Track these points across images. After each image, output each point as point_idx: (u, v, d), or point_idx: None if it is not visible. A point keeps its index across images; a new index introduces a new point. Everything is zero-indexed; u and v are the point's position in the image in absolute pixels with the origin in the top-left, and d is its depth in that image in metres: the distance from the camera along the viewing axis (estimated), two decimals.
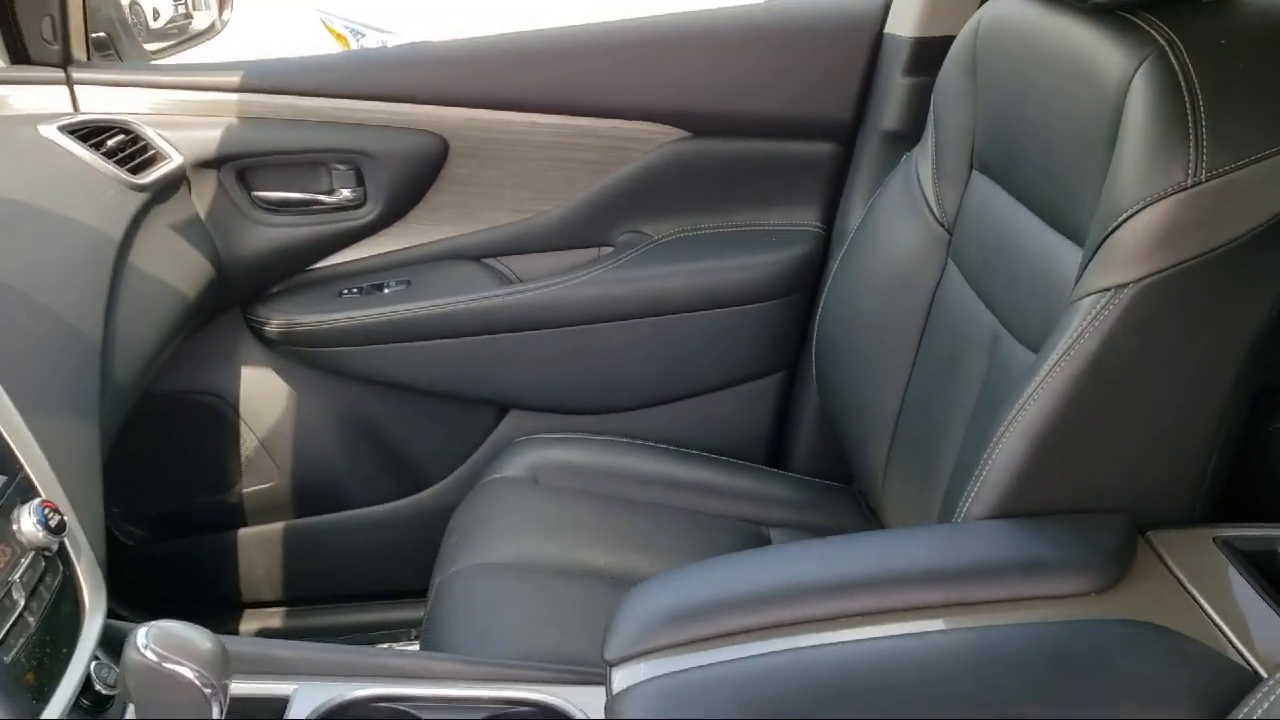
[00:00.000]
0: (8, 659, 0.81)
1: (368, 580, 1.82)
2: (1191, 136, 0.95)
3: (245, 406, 1.74)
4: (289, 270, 1.70)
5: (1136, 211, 0.96)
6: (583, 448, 1.64)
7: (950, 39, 1.39)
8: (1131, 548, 0.97)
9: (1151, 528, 1.01)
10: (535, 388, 1.74)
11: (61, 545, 0.91)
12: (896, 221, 1.46)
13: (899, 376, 1.42)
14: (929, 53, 1.53)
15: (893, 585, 0.91)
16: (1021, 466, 1.00)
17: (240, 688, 0.98)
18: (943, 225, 1.39)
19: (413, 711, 1.00)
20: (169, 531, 1.82)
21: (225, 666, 0.80)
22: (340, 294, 1.70)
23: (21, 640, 0.84)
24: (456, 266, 1.73)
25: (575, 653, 1.16)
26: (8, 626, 0.81)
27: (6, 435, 0.92)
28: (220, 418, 1.74)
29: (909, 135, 1.55)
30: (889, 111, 1.63)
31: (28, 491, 0.91)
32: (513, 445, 1.65)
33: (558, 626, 1.24)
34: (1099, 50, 1.05)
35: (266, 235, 1.66)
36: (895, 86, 1.61)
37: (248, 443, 1.76)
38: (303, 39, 4.54)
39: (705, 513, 1.55)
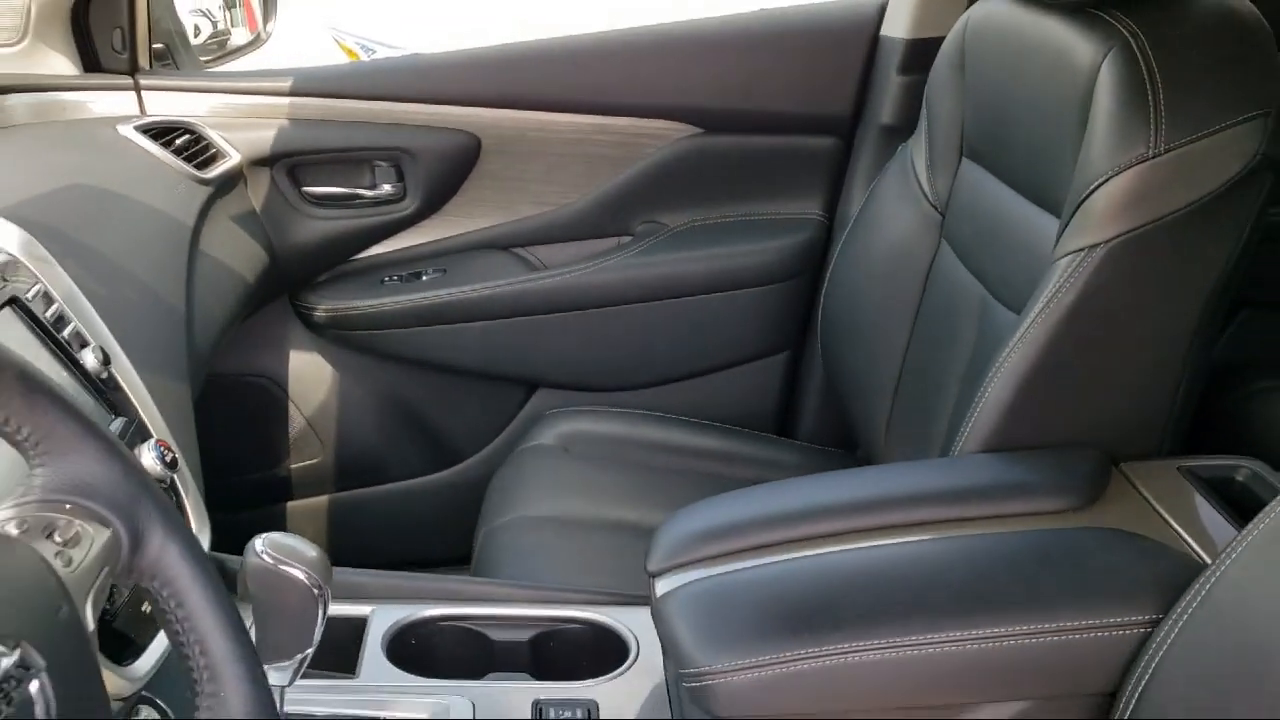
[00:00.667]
0: (113, 606, 0.93)
1: (409, 548, 1.94)
2: (1151, 114, 1.08)
3: (294, 388, 1.86)
4: (335, 259, 1.83)
5: (1105, 180, 1.09)
6: (608, 420, 1.77)
7: (940, 39, 1.52)
8: (1105, 474, 1.10)
9: (1124, 459, 1.14)
10: (561, 366, 1.87)
11: (172, 481, 1.03)
12: (893, 207, 1.59)
13: (898, 347, 1.55)
14: (921, 52, 1.66)
15: (895, 505, 1.04)
16: (1008, 406, 1.13)
17: None
18: (936, 208, 1.51)
19: (474, 628, 1.12)
20: (221, 506, 1.93)
21: (328, 572, 0.92)
22: (382, 281, 1.83)
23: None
24: (489, 255, 1.86)
25: (614, 586, 1.28)
26: None
27: (125, 386, 1.04)
28: (270, 398, 1.87)
29: (904, 129, 1.68)
30: (885, 107, 1.76)
31: (144, 433, 1.03)
32: (544, 418, 1.77)
33: (596, 567, 1.37)
34: (1072, 42, 1.18)
35: (315, 227, 1.79)
36: (891, 84, 1.74)
37: (295, 422, 1.88)
38: (317, 56, 4.67)
39: (721, 476, 1.68)
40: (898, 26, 1.73)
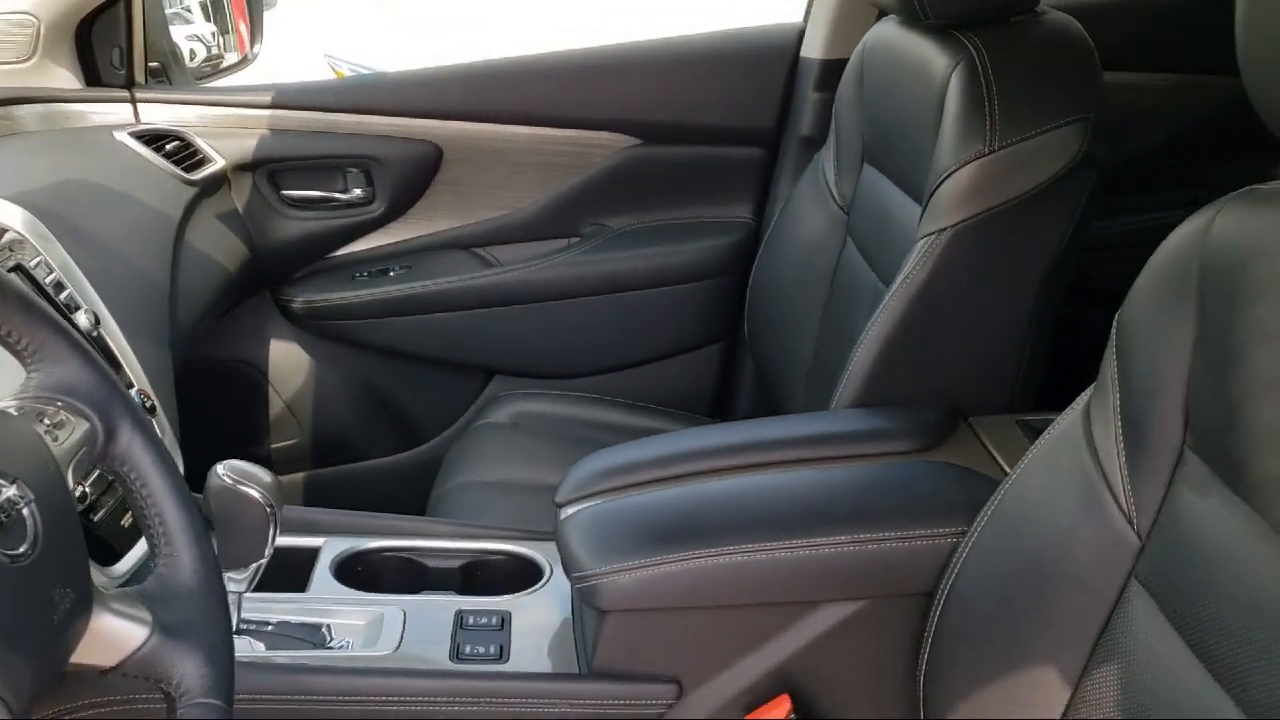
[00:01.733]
0: (97, 517, 1.10)
1: None
2: (988, 117, 1.25)
3: (273, 374, 2.03)
4: (311, 256, 2.00)
5: (951, 173, 1.27)
6: (555, 401, 1.93)
7: (838, 62, 1.71)
8: (951, 425, 1.27)
9: (972, 414, 1.31)
10: (515, 354, 2.04)
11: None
12: (807, 209, 1.76)
13: (811, 333, 1.72)
14: (833, 71, 1.83)
15: (764, 448, 1.21)
16: (871, 369, 1.30)
17: (283, 541, 1.27)
18: (842, 209, 1.69)
19: (412, 557, 1.29)
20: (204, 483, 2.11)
21: (280, 493, 1.09)
22: (354, 277, 2.00)
23: (111, 501, 1.13)
24: (450, 254, 2.03)
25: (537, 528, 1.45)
26: (102, 490, 1.10)
27: (112, 345, 1.21)
28: (251, 383, 2.04)
29: (820, 139, 1.85)
30: (804, 120, 1.94)
31: (128, 383, 1.20)
32: (497, 399, 1.94)
33: (528, 518, 1.53)
34: (932, 56, 1.36)
35: (293, 227, 1.96)
36: (809, 100, 1.92)
37: (275, 405, 2.05)
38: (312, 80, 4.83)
39: None
40: (814, 49, 1.92)
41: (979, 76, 1.28)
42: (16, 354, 0.79)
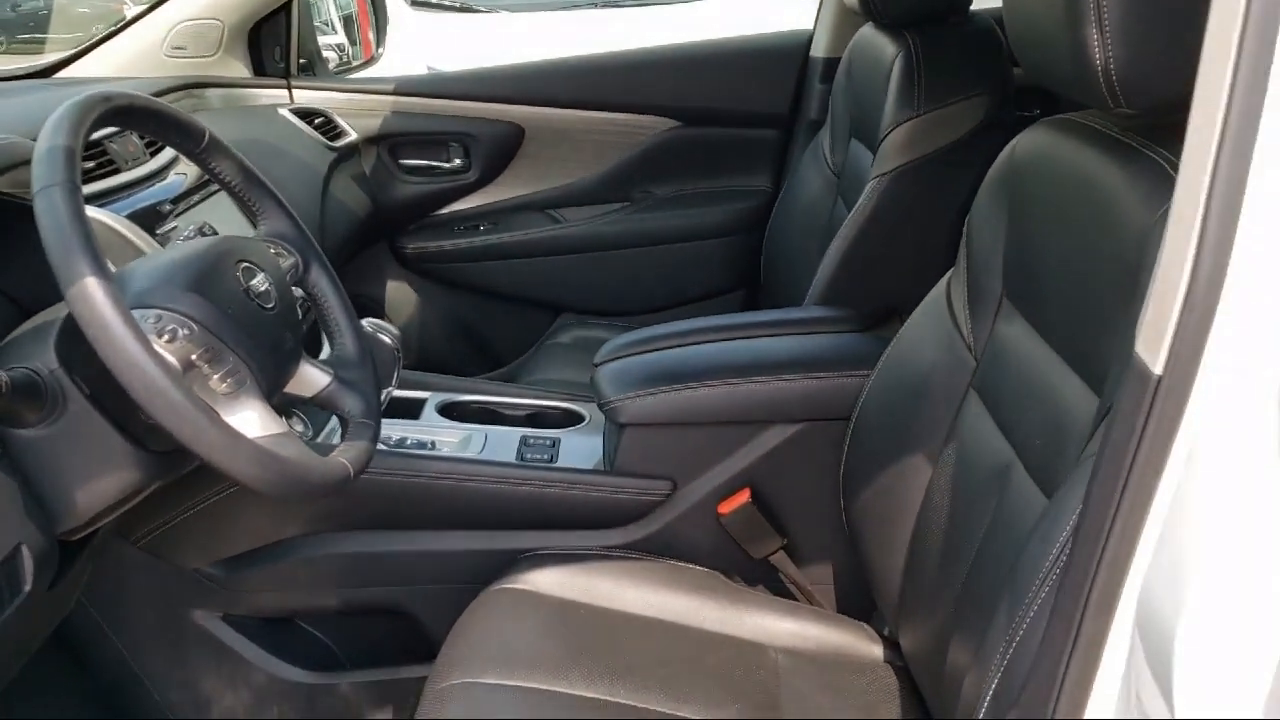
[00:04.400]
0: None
1: None
2: (917, 90, 1.67)
3: (389, 306, 2.50)
4: (420, 213, 2.47)
5: (891, 131, 1.68)
6: (605, 330, 2.37)
7: (836, 59, 2.12)
8: (885, 317, 1.67)
9: (905, 311, 1.70)
10: (578, 294, 2.48)
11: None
12: (809, 176, 2.16)
13: (811, 268, 2.10)
14: (833, 67, 2.25)
15: (740, 328, 1.64)
16: (831, 276, 1.73)
17: (400, 393, 1.71)
18: (835, 174, 2.08)
19: (491, 407, 1.73)
20: None
21: (402, 344, 1.52)
22: (453, 230, 2.47)
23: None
24: (527, 213, 2.48)
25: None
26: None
27: None
28: (372, 313, 2.49)
29: (823, 122, 2.27)
30: (812, 107, 2.35)
31: None
32: (560, 327, 2.39)
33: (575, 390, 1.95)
34: (885, 48, 1.76)
35: (407, 189, 2.43)
36: (815, 91, 2.33)
37: None
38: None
39: None
40: (820, 49, 2.33)
41: (912, 61, 1.69)
42: (250, 213, 1.25)
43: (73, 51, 2.22)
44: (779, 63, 2.38)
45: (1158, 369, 0.68)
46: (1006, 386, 1.16)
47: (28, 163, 1.13)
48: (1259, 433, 0.65)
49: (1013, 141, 1.23)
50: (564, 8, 5.45)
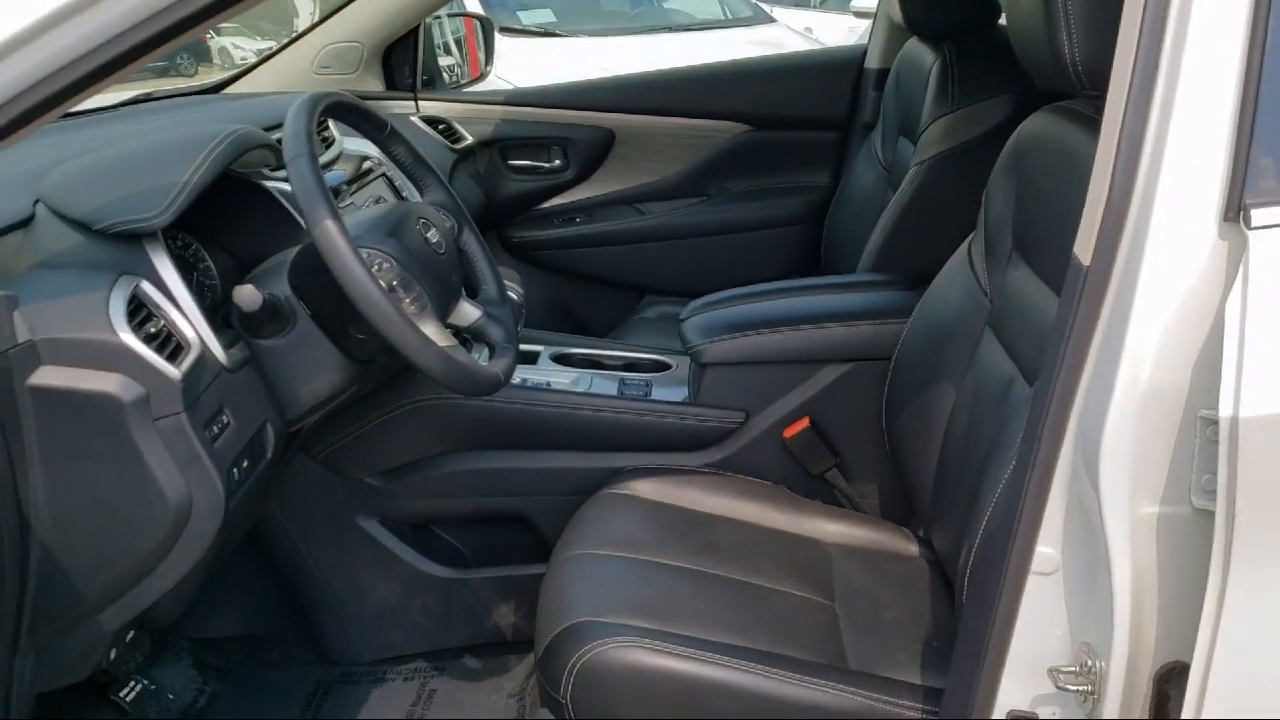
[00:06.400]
0: None
1: None
2: (951, 91, 1.95)
3: None
4: (525, 206, 2.79)
5: (930, 124, 1.97)
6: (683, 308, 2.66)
7: (887, 69, 2.40)
8: (927, 277, 1.94)
9: None
10: (661, 278, 2.78)
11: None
12: (863, 170, 2.45)
13: (862, 244, 2.39)
14: (884, 76, 2.53)
15: (803, 289, 1.92)
16: (881, 247, 2.01)
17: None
18: (885, 169, 2.36)
19: (594, 358, 2.03)
20: None
21: (523, 298, 1.84)
22: (553, 221, 2.79)
23: None
24: (617, 206, 2.80)
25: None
26: None
27: None
28: None
29: (874, 124, 2.54)
30: (866, 112, 2.63)
31: None
32: (645, 304, 2.70)
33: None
34: (925, 57, 2.05)
35: (514, 185, 2.76)
36: (869, 98, 2.62)
37: None
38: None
39: None
40: (873, 60, 2.62)
41: (947, 65, 1.97)
42: (418, 185, 1.58)
43: (236, 72, 2.61)
44: (837, 74, 2.67)
45: (1087, 260, 0.96)
46: (1012, 318, 1.43)
47: (256, 148, 1.48)
48: (1158, 301, 0.93)
49: (1019, 127, 1.51)
50: (636, 32, 5.81)
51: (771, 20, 6.25)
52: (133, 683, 1.57)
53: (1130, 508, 0.95)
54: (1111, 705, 0.98)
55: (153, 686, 1.77)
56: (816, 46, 5.26)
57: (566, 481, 1.82)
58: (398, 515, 1.87)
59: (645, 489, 1.70)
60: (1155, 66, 0.92)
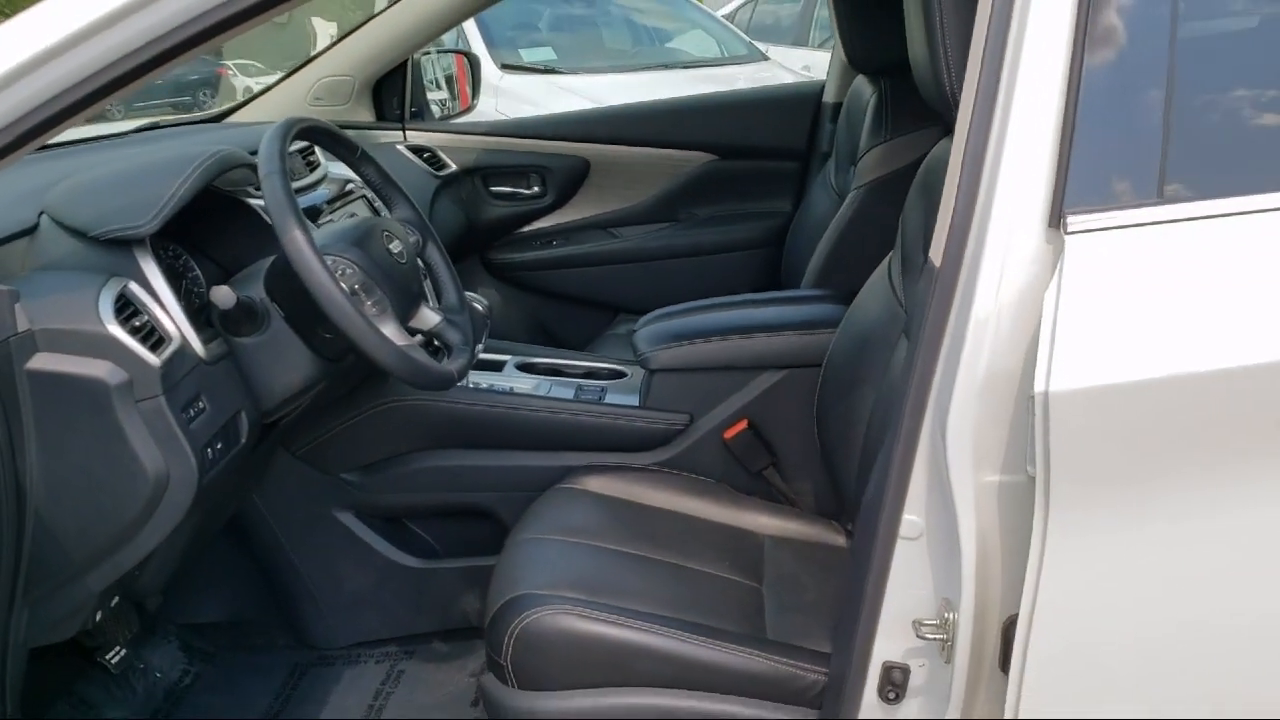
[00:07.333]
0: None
1: None
2: (885, 123, 2.09)
3: None
4: (506, 230, 2.95)
5: (865, 153, 2.11)
6: None
7: (841, 103, 2.56)
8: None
9: None
10: (632, 298, 2.92)
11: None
12: (818, 197, 2.59)
13: (813, 271, 2.53)
14: (838, 110, 2.68)
15: (743, 304, 2.06)
16: (820, 266, 2.14)
17: (486, 355, 2.17)
18: (838, 195, 2.51)
19: (557, 366, 2.17)
20: None
21: (491, 311, 1.98)
22: (532, 244, 2.94)
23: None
24: (592, 231, 2.95)
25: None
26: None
27: None
28: None
29: (829, 154, 2.69)
30: (824, 142, 2.78)
31: None
32: (617, 322, 2.84)
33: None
34: (865, 91, 2.20)
35: (495, 210, 2.92)
36: (826, 129, 2.77)
37: None
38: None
39: None
40: (830, 95, 2.77)
41: (883, 100, 2.12)
42: (386, 202, 1.73)
43: (237, 103, 2.77)
44: (797, 107, 2.83)
45: (939, 263, 1.10)
46: (919, 324, 1.57)
47: (237, 167, 1.63)
48: (995, 296, 1.06)
49: (929, 154, 1.66)
50: (634, 70, 5.99)
51: (765, 58, 6.43)
52: (118, 648, 1.70)
53: (974, 476, 1.08)
54: (962, 653, 1.11)
55: (142, 665, 1.90)
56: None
57: (527, 478, 1.95)
58: (372, 509, 2.01)
59: (596, 484, 1.84)
60: (994, 94, 1.07)
